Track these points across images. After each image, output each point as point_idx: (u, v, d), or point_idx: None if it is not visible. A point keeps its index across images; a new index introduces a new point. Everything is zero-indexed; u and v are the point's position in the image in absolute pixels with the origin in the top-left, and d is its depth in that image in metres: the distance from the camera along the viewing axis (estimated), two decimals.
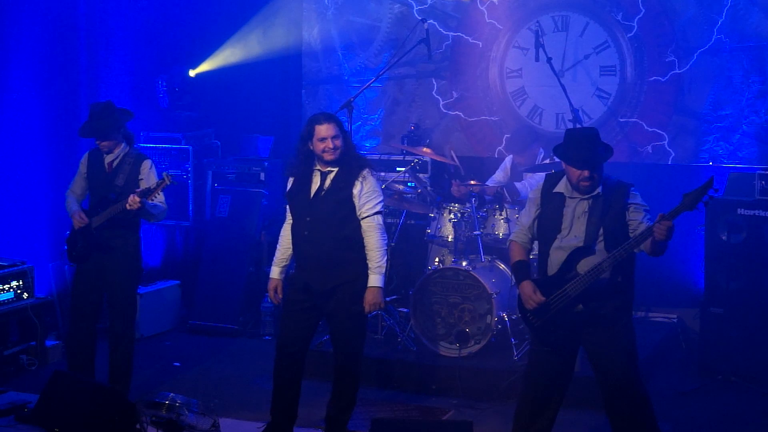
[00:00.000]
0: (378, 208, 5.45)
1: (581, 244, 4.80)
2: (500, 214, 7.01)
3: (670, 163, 7.97)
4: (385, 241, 5.48)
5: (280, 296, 5.66)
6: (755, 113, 7.72)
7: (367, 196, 5.41)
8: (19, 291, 7.15)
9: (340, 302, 5.43)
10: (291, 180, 5.58)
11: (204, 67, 9.04)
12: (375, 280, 5.41)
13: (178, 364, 7.33)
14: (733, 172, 7.33)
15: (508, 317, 6.72)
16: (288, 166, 5.61)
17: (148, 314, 7.97)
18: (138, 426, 5.33)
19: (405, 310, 7.11)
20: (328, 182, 5.43)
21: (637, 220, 4.78)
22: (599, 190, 4.84)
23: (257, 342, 7.91)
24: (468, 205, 6.99)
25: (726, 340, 6.73)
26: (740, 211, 6.73)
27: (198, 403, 5.38)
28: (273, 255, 5.84)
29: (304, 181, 5.48)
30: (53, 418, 5.63)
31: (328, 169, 5.45)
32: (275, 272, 5.68)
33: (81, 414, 5.47)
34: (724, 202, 6.81)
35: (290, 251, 5.64)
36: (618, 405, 4.86)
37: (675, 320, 7.74)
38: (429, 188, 7.61)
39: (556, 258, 4.86)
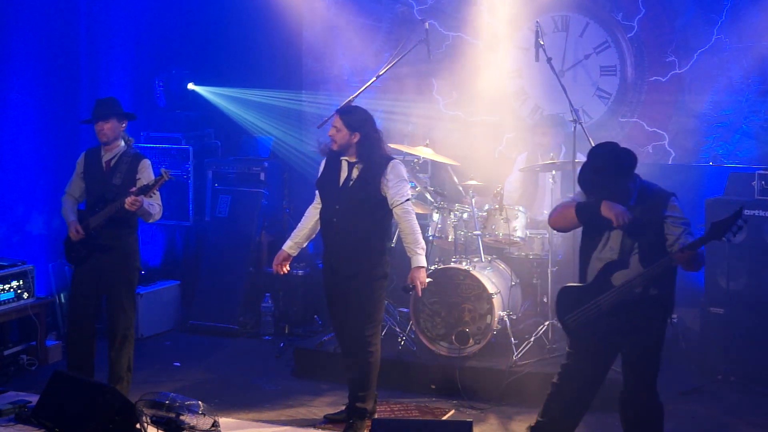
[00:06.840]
0: (408, 195, 5.69)
1: (616, 257, 4.80)
2: (500, 214, 7.00)
3: (670, 162, 7.97)
4: (417, 225, 5.71)
5: (286, 270, 5.90)
6: (755, 113, 7.72)
7: (396, 187, 5.63)
8: (19, 291, 7.15)
9: (358, 287, 5.62)
10: (322, 165, 5.79)
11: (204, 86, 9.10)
12: (419, 260, 5.70)
13: (178, 364, 7.33)
14: (733, 172, 7.32)
15: (508, 317, 6.72)
16: (322, 148, 5.82)
17: (148, 314, 7.97)
18: (138, 426, 5.34)
19: (405, 310, 7.10)
20: (355, 173, 5.64)
21: (674, 235, 4.72)
22: (631, 202, 4.79)
23: (257, 342, 7.91)
24: (468, 205, 7.00)
25: (726, 340, 6.73)
26: None
27: (198, 403, 5.38)
28: (273, 255, 5.94)
29: (333, 169, 5.70)
30: (53, 418, 5.64)
31: (354, 159, 5.65)
32: (288, 245, 5.90)
33: (81, 414, 5.48)
34: (724, 202, 6.81)
35: (306, 232, 5.88)
36: (633, 412, 4.92)
37: (675, 320, 7.72)
38: (429, 188, 7.61)
39: (594, 268, 4.90)
